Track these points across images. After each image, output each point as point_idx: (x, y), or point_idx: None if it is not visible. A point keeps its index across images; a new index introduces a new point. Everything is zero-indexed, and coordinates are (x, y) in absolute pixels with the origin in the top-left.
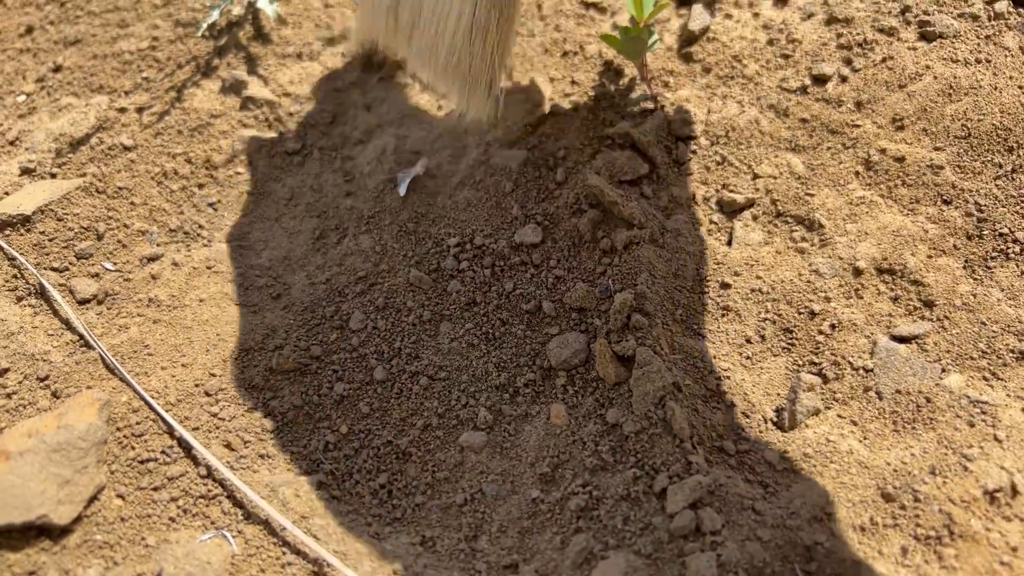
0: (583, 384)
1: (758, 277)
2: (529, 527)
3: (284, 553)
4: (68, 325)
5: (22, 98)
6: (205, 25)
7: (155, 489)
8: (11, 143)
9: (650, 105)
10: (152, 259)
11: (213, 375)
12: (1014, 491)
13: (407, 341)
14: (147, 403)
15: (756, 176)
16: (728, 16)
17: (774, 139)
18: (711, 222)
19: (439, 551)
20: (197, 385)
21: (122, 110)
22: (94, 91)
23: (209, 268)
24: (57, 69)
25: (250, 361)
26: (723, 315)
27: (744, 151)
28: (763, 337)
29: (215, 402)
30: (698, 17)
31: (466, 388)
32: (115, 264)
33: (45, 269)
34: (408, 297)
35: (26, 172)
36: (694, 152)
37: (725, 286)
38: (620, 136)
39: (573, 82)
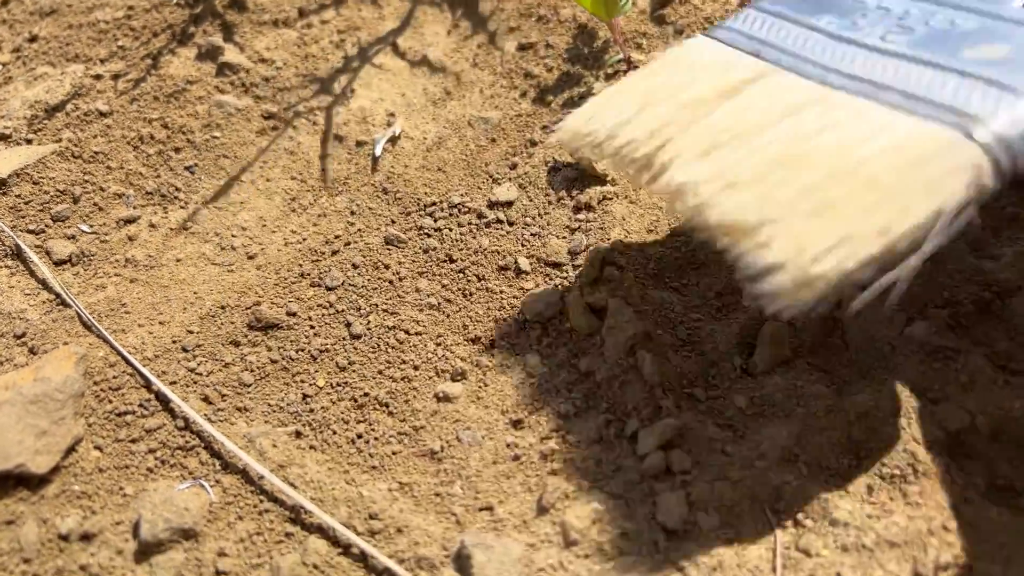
0: (557, 335)
1: None
2: (504, 471)
3: (261, 501)
4: (45, 285)
5: None
6: None
7: (133, 441)
8: None
9: (623, 67)
10: (129, 221)
11: (190, 332)
12: (975, 430)
13: (384, 298)
14: (124, 358)
15: None
16: None
17: None
18: None
19: (416, 496)
20: (174, 341)
21: (97, 77)
22: (70, 60)
23: (186, 229)
24: (33, 39)
25: (227, 318)
26: (695, 269)
27: None
28: (735, 290)
29: (192, 358)
30: None
31: (442, 340)
32: (91, 226)
33: (21, 231)
34: (384, 255)
35: (2, 138)
36: None
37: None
38: (595, 95)
39: (548, 45)
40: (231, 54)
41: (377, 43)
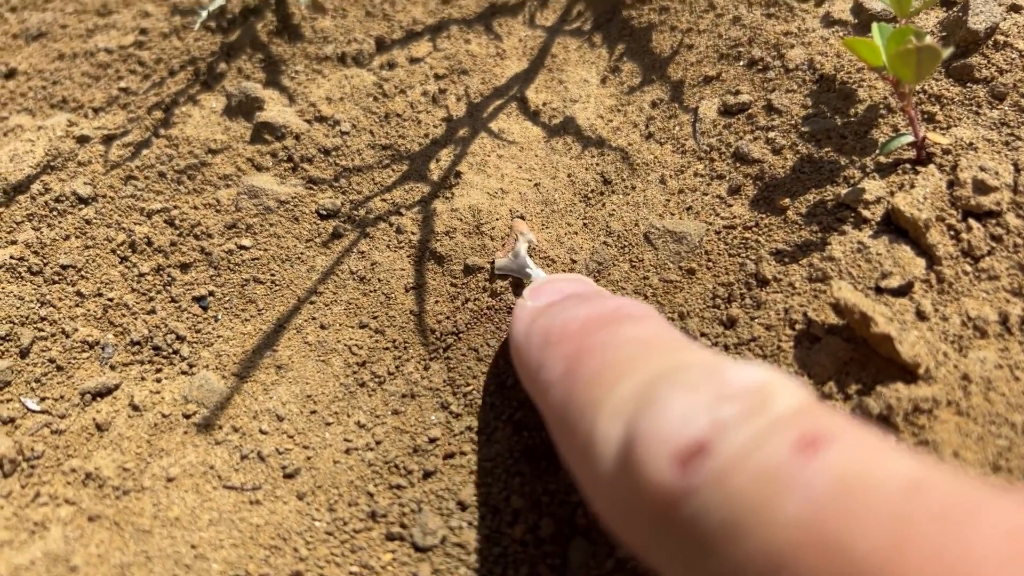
0: None
1: None
2: None
3: None
4: None
5: None
6: (207, 11)
7: None
8: None
9: (911, 154)
10: (100, 394)
11: None
12: None
13: (517, 573)
14: None
15: None
16: (1020, 9)
17: None
18: None
19: None
20: None
21: (83, 139)
22: (53, 106)
23: (187, 417)
24: (10, 74)
25: None
26: None
27: None
28: None
29: None
30: (981, 8)
31: None
32: (42, 400)
33: None
34: (513, 487)
35: None
36: (998, 239)
37: None
38: (869, 206)
39: (772, 108)
40: (275, 108)
41: (495, 96)
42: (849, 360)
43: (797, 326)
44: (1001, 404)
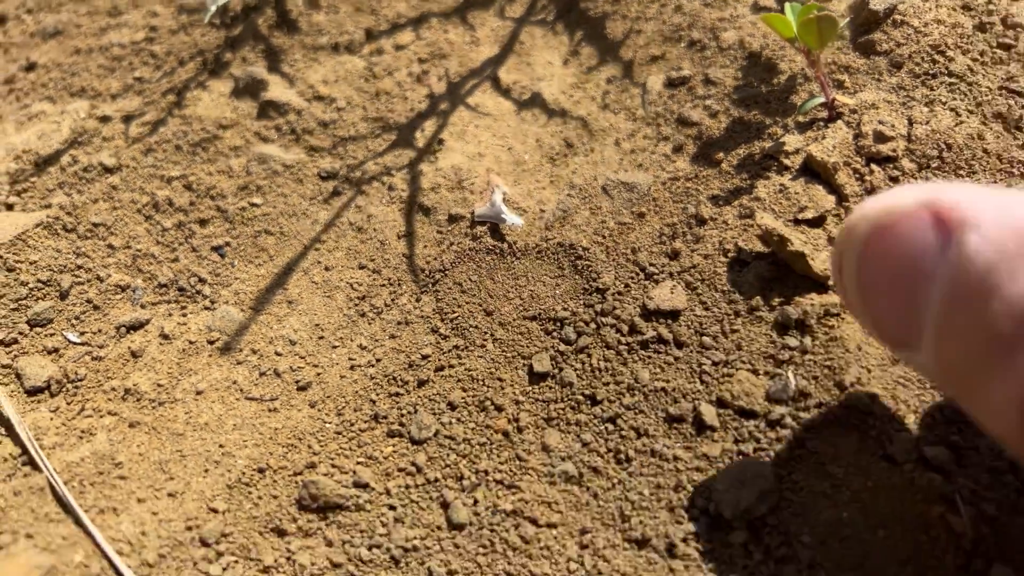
0: (777, 543)
1: None
2: None
3: None
4: (8, 430)
5: None
6: (214, 8)
7: None
8: None
9: (824, 113)
10: (133, 327)
11: (213, 510)
12: None
13: (497, 460)
14: (114, 567)
15: None
16: None
17: (1005, 161)
18: None
19: None
20: (189, 527)
21: (104, 119)
22: (73, 94)
23: (211, 343)
24: (30, 67)
25: (267, 489)
26: (968, 425)
27: (966, 178)
28: None
29: (215, 556)
30: None
31: (590, 543)
32: (82, 334)
33: None
34: (495, 389)
35: None
36: (895, 179)
37: None
38: (788, 156)
39: (709, 80)
40: (277, 89)
41: (471, 76)
42: (772, 279)
43: (729, 254)
44: None
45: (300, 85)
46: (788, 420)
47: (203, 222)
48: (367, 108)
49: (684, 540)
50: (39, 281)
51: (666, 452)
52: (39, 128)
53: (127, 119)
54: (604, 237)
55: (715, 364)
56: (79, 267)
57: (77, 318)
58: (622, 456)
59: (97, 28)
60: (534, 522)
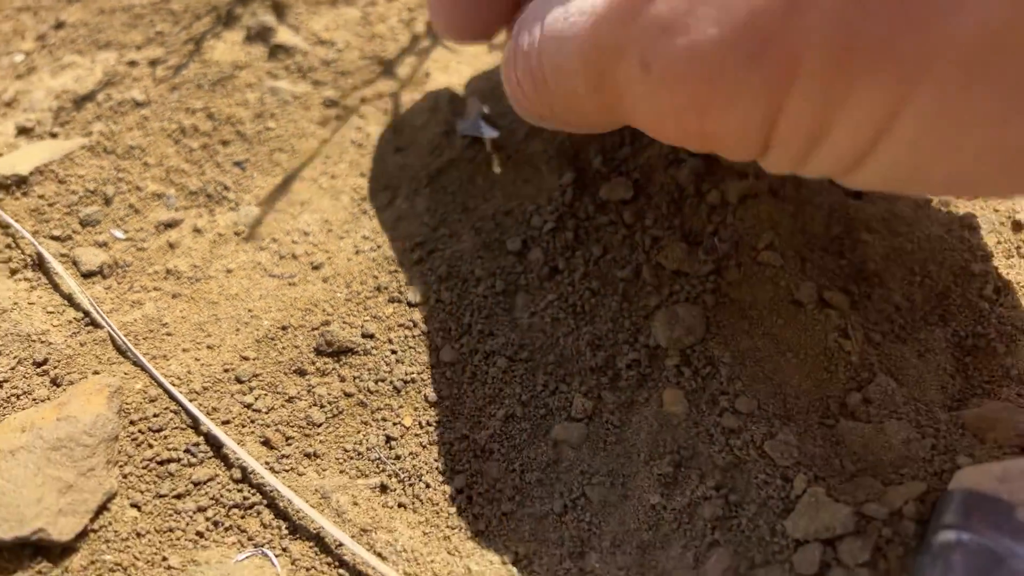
0: (703, 365)
1: (899, 233)
2: (650, 540)
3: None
4: (71, 301)
5: (20, 57)
6: None
7: (178, 497)
8: (7, 104)
9: None
10: (170, 225)
11: (245, 358)
12: None
13: (478, 316)
14: (167, 391)
15: None
16: None
17: None
18: None
19: (537, 571)
20: (226, 370)
21: (132, 64)
22: (101, 48)
23: (237, 235)
24: (59, 26)
25: (290, 341)
26: (863, 279)
27: None
28: (912, 303)
29: (248, 390)
30: None
31: (554, 370)
32: (126, 232)
33: (44, 237)
34: (476, 265)
35: (23, 132)
36: None
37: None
38: None
39: None
40: (285, 35)
41: None
42: (704, 172)
43: (669, 157)
44: (805, 190)
45: (304, 32)
46: (712, 278)
47: (225, 143)
48: (363, 49)
49: (628, 366)
50: (87, 190)
51: (613, 305)
52: (74, 74)
53: (153, 63)
54: (568, 147)
55: (654, 239)
56: (120, 179)
57: (121, 219)
58: (579, 309)
59: None
60: (509, 359)
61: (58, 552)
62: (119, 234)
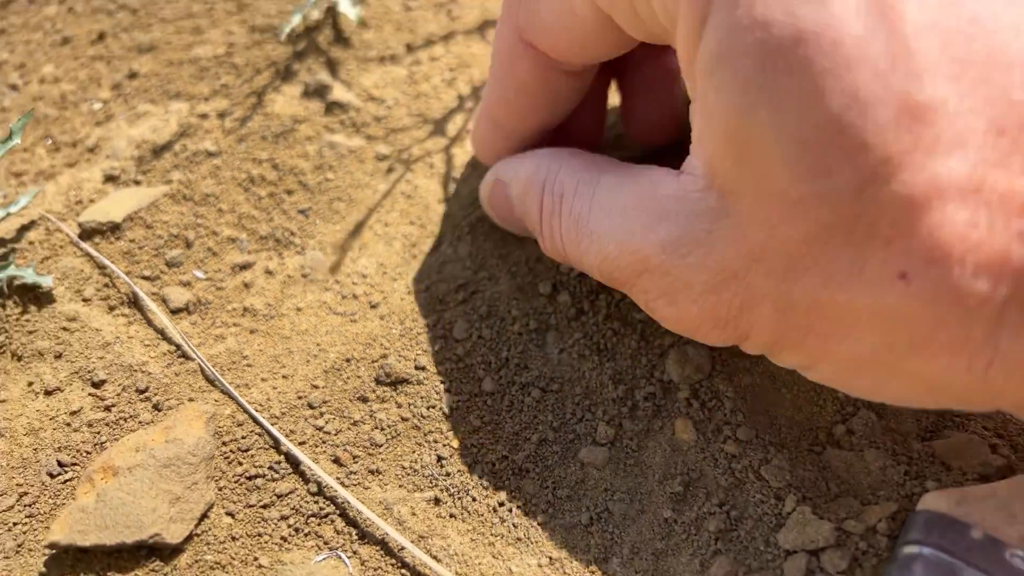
0: (709, 398)
1: None
2: (663, 548)
3: (404, 575)
4: (163, 335)
5: (98, 105)
6: (288, 28)
7: (264, 507)
8: (90, 150)
9: None
10: (244, 267)
11: (315, 387)
12: None
13: (513, 351)
14: (252, 416)
15: None
16: None
17: None
18: None
19: (568, 573)
20: (300, 397)
21: (203, 116)
22: (172, 98)
23: (304, 276)
24: (133, 76)
25: (353, 372)
26: None
27: None
28: None
29: (319, 415)
30: None
31: (581, 401)
32: (206, 272)
33: (136, 278)
34: (512, 305)
35: (110, 179)
36: None
37: None
38: None
39: None
40: (339, 92)
41: None
42: None
43: None
44: None
45: (356, 88)
46: None
47: (289, 192)
48: (410, 106)
49: (645, 398)
50: (170, 235)
51: (632, 344)
52: (150, 124)
53: (221, 115)
54: None
55: None
56: (198, 225)
57: (201, 261)
58: (602, 347)
59: (184, 44)
60: (542, 390)
61: (168, 553)
62: (200, 275)
